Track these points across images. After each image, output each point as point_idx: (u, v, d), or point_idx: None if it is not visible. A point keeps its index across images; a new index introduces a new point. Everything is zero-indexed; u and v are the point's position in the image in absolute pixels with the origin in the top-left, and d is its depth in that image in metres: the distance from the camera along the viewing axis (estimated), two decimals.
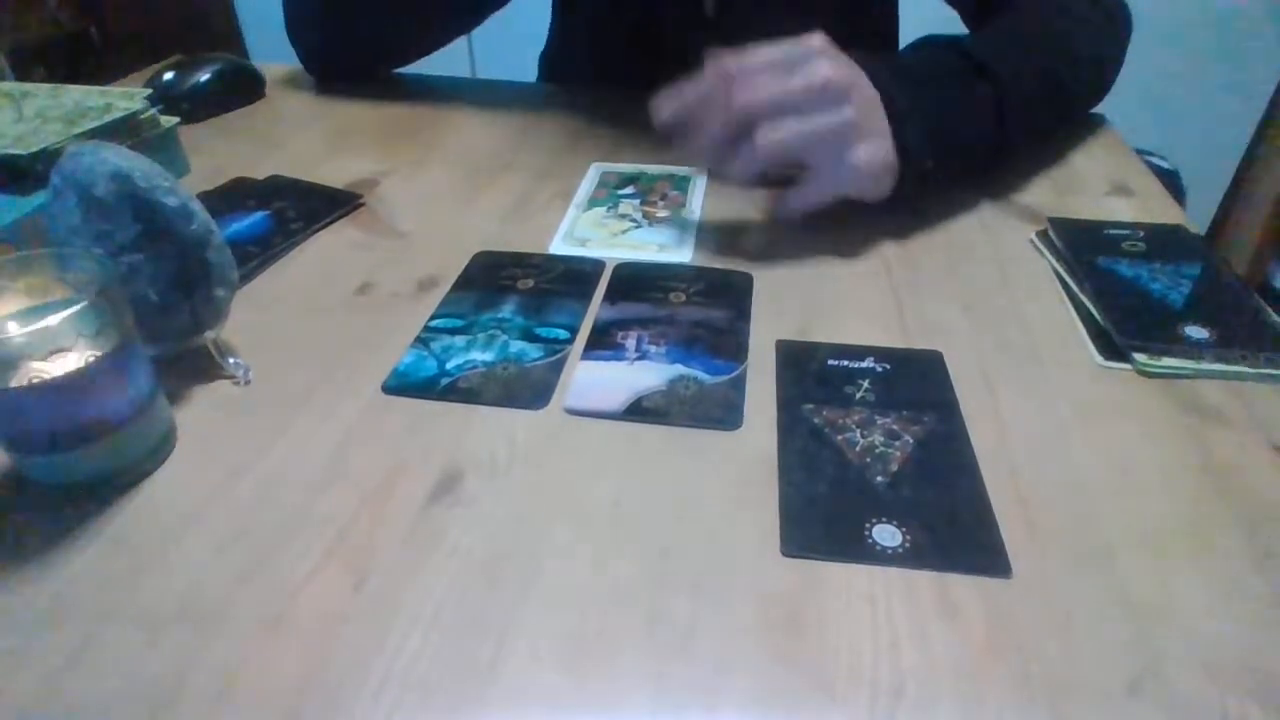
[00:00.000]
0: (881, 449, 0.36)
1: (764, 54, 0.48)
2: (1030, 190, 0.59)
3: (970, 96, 0.52)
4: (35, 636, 0.28)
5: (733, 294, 0.47)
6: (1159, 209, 0.57)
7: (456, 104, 0.74)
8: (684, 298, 0.47)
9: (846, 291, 0.48)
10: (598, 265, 0.50)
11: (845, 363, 0.41)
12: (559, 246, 0.52)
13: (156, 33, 1.86)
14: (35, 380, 0.30)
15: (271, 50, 0.80)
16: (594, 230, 0.54)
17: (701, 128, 0.48)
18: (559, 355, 0.42)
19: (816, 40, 0.48)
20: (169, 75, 0.71)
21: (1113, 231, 0.52)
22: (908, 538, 0.32)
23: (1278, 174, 1.65)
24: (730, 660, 0.27)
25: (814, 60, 0.47)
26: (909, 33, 0.79)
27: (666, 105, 0.49)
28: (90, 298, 0.31)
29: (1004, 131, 0.53)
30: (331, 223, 0.55)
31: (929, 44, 0.55)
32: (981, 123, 0.52)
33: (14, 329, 0.32)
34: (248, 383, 0.40)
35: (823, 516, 0.33)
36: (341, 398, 0.39)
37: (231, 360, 0.41)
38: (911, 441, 0.36)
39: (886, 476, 0.35)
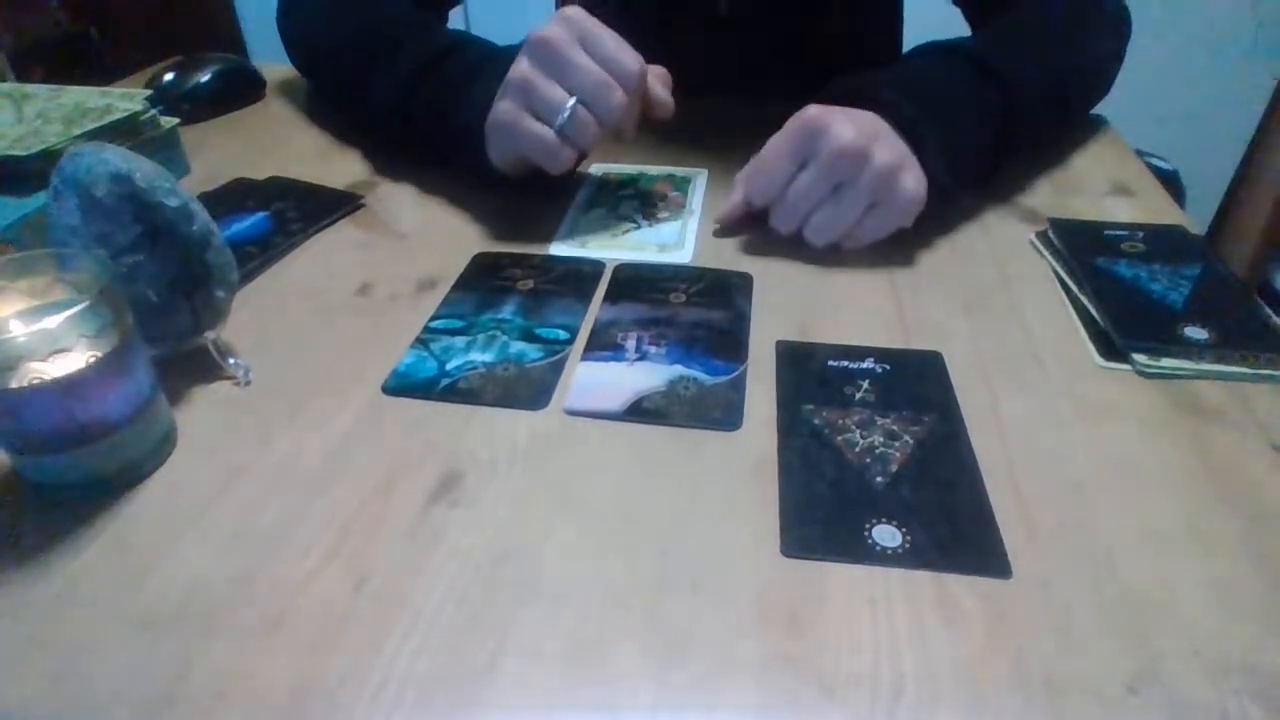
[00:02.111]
0: (881, 449, 0.36)
1: (771, 153, 0.49)
2: (1030, 190, 0.59)
3: (979, 103, 0.52)
4: (35, 636, 0.28)
5: (733, 294, 0.47)
6: (1159, 209, 0.57)
7: None
8: (684, 298, 0.47)
9: (846, 291, 0.48)
10: (598, 266, 0.50)
11: (845, 363, 0.41)
12: (559, 247, 0.52)
13: (156, 33, 1.86)
14: (35, 380, 0.30)
15: (271, 50, 0.79)
16: (594, 231, 0.54)
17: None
18: (559, 356, 0.42)
19: (813, 113, 0.48)
20: (169, 76, 0.71)
21: (1112, 232, 0.52)
22: (908, 538, 0.32)
23: (1278, 174, 1.65)
24: (730, 660, 0.27)
25: (822, 138, 0.47)
26: (912, 30, 0.79)
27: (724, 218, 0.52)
28: (91, 298, 0.31)
29: (1010, 135, 0.53)
30: (331, 223, 0.55)
31: (934, 49, 0.55)
32: (989, 128, 0.52)
33: (14, 329, 0.32)
34: (248, 383, 0.40)
35: (823, 517, 0.33)
36: (341, 398, 0.39)
37: (231, 360, 0.41)
38: (911, 442, 0.36)
39: (886, 477, 0.35)
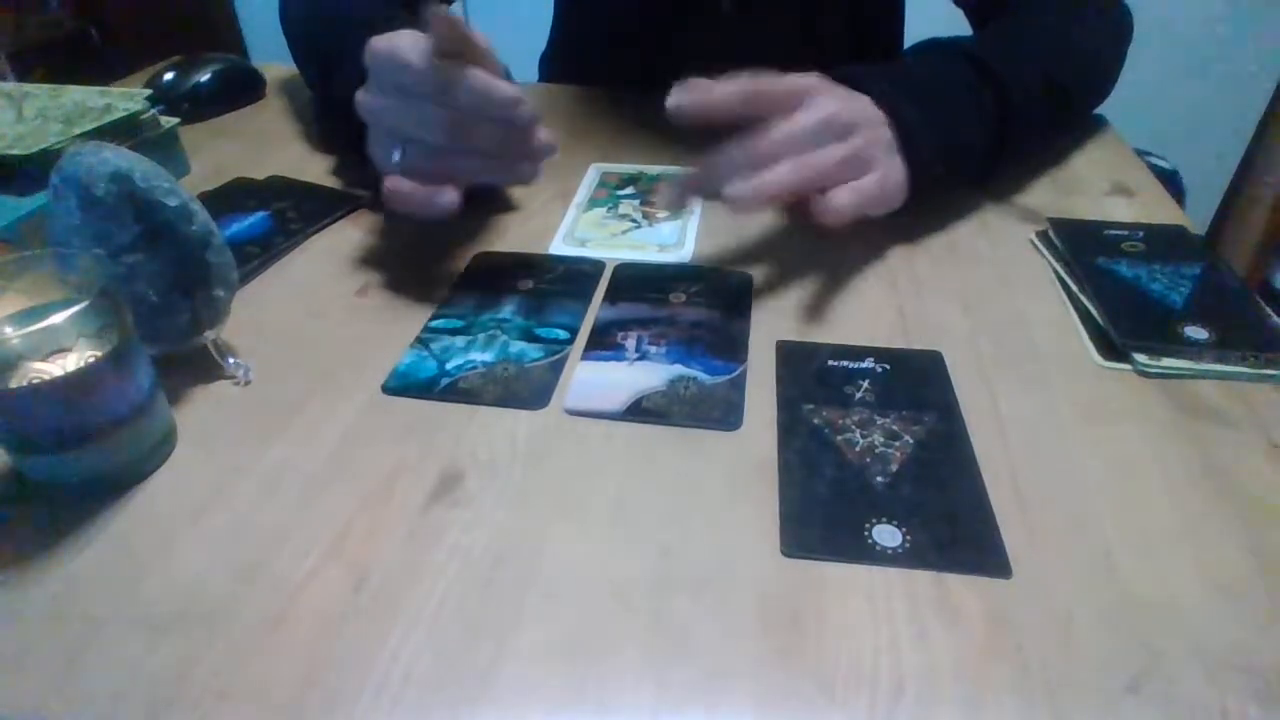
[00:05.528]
0: (881, 449, 0.36)
1: (768, 86, 0.45)
2: (1030, 190, 0.59)
3: (974, 100, 0.52)
4: (35, 636, 0.28)
5: (733, 294, 0.47)
6: (1159, 209, 0.57)
7: None
8: (684, 298, 0.47)
9: (846, 291, 0.48)
10: (598, 265, 0.50)
11: (845, 363, 0.41)
12: (559, 247, 0.52)
13: (156, 33, 1.86)
14: (35, 380, 0.30)
15: (271, 50, 0.79)
16: (594, 230, 0.54)
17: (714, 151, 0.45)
18: (559, 355, 0.42)
19: (813, 80, 0.46)
20: (169, 75, 0.71)
21: (1113, 232, 0.52)
22: (908, 538, 0.32)
23: (1278, 174, 1.65)
24: (730, 660, 0.27)
25: (819, 98, 0.46)
26: (913, 31, 0.79)
27: (685, 95, 0.44)
28: (90, 298, 0.31)
29: (1006, 134, 0.53)
30: (332, 223, 0.55)
31: (933, 47, 0.55)
32: (985, 126, 0.52)
33: (14, 329, 0.32)
34: (248, 383, 0.40)
35: (823, 516, 0.33)
36: (341, 398, 0.39)
37: (231, 360, 0.41)
38: (911, 441, 0.36)
39: (886, 476, 0.35)
